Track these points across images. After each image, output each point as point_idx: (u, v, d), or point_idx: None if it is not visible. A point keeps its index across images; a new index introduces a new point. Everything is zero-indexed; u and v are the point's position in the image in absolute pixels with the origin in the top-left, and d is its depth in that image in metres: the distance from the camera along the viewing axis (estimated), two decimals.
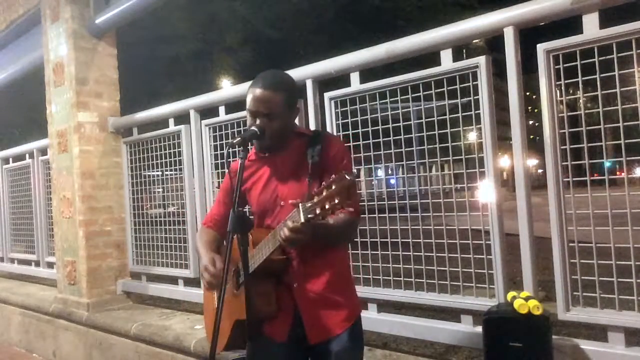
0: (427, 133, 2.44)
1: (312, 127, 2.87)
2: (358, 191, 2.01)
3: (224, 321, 1.60)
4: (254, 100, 1.68)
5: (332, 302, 1.71)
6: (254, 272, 1.61)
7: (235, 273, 1.72)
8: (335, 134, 2.68)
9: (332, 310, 1.70)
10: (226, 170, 1.89)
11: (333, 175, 1.36)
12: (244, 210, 1.64)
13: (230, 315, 1.66)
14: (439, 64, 2.38)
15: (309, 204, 1.39)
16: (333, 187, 1.34)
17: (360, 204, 1.94)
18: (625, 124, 1.92)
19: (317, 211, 1.36)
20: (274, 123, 1.68)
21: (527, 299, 1.96)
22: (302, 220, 1.41)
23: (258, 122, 1.68)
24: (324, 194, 1.35)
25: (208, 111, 3.59)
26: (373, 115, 2.62)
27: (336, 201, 1.33)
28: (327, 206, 1.34)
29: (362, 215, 2.45)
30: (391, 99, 2.53)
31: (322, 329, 1.69)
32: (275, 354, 1.74)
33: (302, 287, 1.69)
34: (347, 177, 1.33)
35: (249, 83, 1.75)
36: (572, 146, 2.03)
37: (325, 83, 2.92)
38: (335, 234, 1.68)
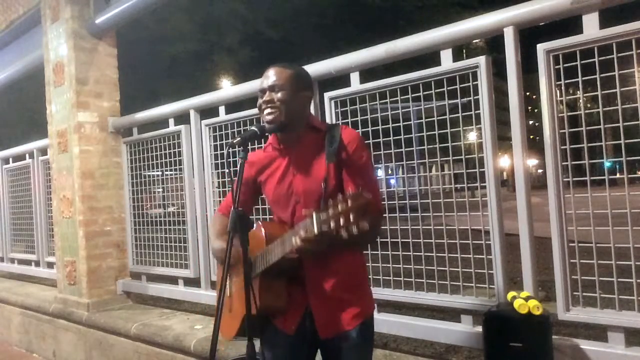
0: (427, 133, 2.44)
1: None
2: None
3: (234, 312, 1.63)
4: (263, 78, 1.72)
5: (344, 299, 1.70)
6: (266, 269, 1.61)
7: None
8: None
9: (343, 307, 1.70)
10: (227, 170, 1.88)
11: (350, 191, 1.32)
12: (244, 210, 1.63)
13: (241, 308, 1.67)
14: (439, 64, 2.38)
15: (324, 215, 1.34)
16: (349, 203, 1.29)
17: None
18: (625, 124, 1.92)
19: (332, 225, 1.31)
20: (278, 94, 1.67)
21: (527, 299, 1.96)
22: (316, 232, 1.37)
23: (264, 97, 1.69)
24: (339, 208, 1.31)
25: (208, 111, 3.59)
26: (373, 115, 2.61)
27: (351, 219, 1.28)
28: (341, 222, 1.29)
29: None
30: (391, 99, 2.53)
31: (332, 324, 1.69)
32: (282, 346, 1.75)
33: (314, 283, 1.70)
34: (364, 195, 1.29)
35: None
36: (572, 146, 2.02)
37: (325, 83, 2.92)
38: (357, 237, 1.63)
